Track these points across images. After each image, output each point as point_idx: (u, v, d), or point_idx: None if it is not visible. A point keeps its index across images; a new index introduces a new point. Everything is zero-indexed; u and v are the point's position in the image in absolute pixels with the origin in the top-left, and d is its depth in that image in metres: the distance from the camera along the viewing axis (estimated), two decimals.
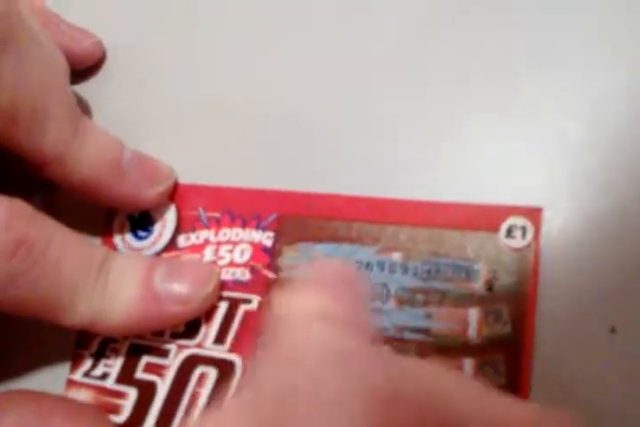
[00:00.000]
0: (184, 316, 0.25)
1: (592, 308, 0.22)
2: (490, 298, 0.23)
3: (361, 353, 0.16)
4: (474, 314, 0.23)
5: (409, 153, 0.25)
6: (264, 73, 0.28)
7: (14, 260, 0.22)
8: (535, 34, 0.25)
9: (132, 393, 0.26)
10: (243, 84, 0.29)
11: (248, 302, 0.25)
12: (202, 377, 0.25)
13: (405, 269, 0.24)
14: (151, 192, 0.26)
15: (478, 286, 0.23)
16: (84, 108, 0.30)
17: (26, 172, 0.28)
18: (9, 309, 0.23)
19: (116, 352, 0.27)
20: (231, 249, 0.26)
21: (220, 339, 0.25)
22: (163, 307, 0.24)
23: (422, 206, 0.24)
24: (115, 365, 0.27)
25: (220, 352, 0.25)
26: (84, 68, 0.31)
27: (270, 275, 0.25)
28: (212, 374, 0.25)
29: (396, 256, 0.24)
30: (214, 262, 0.26)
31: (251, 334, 0.25)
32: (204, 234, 0.27)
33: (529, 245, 0.23)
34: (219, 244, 0.26)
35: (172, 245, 0.27)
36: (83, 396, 0.26)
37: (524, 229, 0.23)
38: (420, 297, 0.23)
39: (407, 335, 0.23)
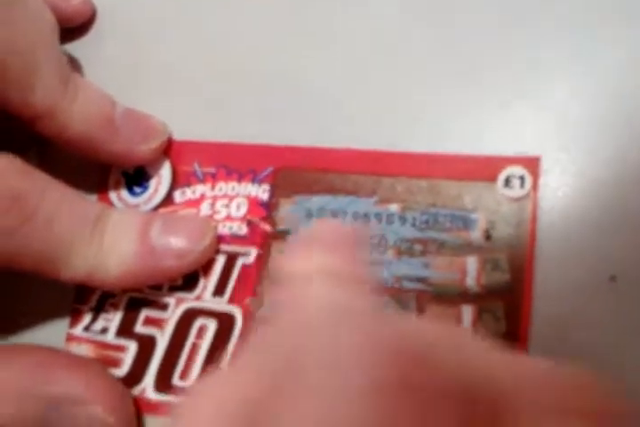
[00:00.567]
0: (181, 269, 0.25)
1: (591, 256, 0.22)
2: (488, 247, 0.23)
3: (366, 310, 0.16)
4: (472, 263, 0.23)
5: (406, 105, 0.25)
6: (258, 28, 0.28)
7: (8, 215, 0.22)
8: None
9: (132, 347, 0.26)
10: (236, 40, 0.28)
11: (245, 254, 0.25)
12: (201, 329, 0.25)
13: (403, 220, 0.24)
14: (145, 148, 0.26)
15: (476, 235, 0.23)
16: (75, 66, 0.30)
17: (19, 130, 0.28)
18: (5, 263, 0.23)
19: (114, 307, 0.27)
20: (227, 203, 0.26)
21: (218, 291, 0.25)
22: (160, 261, 0.24)
23: (419, 158, 0.24)
24: (114, 319, 0.27)
25: (219, 304, 0.25)
26: (74, 27, 0.30)
27: (267, 228, 0.25)
28: (211, 326, 0.25)
29: (394, 207, 0.24)
30: (211, 217, 0.26)
31: (249, 285, 0.25)
32: (200, 189, 0.27)
33: (527, 195, 0.23)
34: (215, 198, 0.26)
35: (168, 200, 0.27)
36: (83, 350, 0.27)
37: (522, 179, 0.23)
38: (418, 247, 0.23)
39: (406, 285, 0.23)
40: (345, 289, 0.16)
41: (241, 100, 0.27)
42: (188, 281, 0.26)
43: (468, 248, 0.23)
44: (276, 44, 0.28)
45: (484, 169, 0.23)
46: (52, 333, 0.27)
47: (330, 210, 0.25)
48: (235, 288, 0.25)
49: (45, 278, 0.24)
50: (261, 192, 0.26)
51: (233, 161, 0.27)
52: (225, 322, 0.25)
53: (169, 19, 0.30)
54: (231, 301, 0.25)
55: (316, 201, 0.25)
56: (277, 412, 0.13)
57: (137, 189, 0.28)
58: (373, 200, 0.24)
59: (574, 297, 0.22)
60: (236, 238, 0.26)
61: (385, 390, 0.13)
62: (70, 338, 0.27)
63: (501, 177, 0.23)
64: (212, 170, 0.27)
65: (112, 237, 0.24)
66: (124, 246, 0.24)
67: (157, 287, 0.26)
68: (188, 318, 0.25)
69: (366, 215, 0.24)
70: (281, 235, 0.25)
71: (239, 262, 0.25)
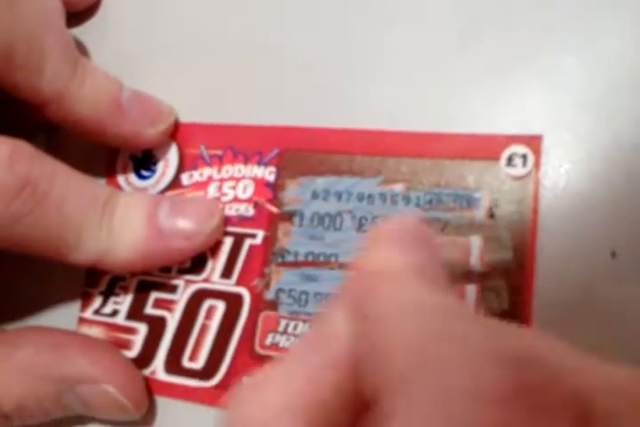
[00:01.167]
0: (189, 251, 0.25)
1: (593, 233, 0.22)
2: (491, 226, 0.23)
3: (462, 312, 0.15)
4: (476, 241, 0.23)
5: (408, 85, 0.25)
6: (264, 11, 0.28)
7: (18, 199, 0.22)
8: None
9: (143, 328, 0.26)
10: (242, 22, 0.28)
11: (253, 236, 0.26)
12: (210, 310, 0.25)
13: (407, 200, 0.24)
14: (152, 131, 0.26)
15: (480, 214, 0.23)
16: (81, 50, 0.30)
17: (26, 115, 0.28)
18: (16, 248, 0.23)
19: (124, 290, 0.27)
20: (234, 185, 0.26)
21: (226, 273, 0.26)
22: (168, 242, 0.24)
23: (422, 138, 0.24)
24: (124, 302, 0.27)
25: (227, 286, 0.25)
26: (80, 11, 0.31)
27: (273, 209, 0.26)
28: (220, 306, 0.25)
29: (398, 188, 0.24)
30: (218, 199, 0.26)
31: (256, 267, 0.25)
32: (206, 171, 0.27)
33: (529, 173, 0.23)
34: (222, 180, 0.27)
35: (175, 183, 0.27)
36: (94, 332, 0.27)
37: (524, 158, 0.23)
38: None
39: None
40: (432, 287, 0.15)
41: (247, 82, 0.27)
42: (197, 263, 0.26)
43: (471, 227, 0.23)
44: (284, 26, 0.28)
45: (487, 148, 0.23)
46: (63, 316, 0.28)
47: (335, 191, 0.25)
48: (242, 270, 0.26)
49: (56, 262, 0.24)
50: (267, 174, 0.26)
51: (239, 143, 0.27)
52: (233, 303, 0.25)
53: (174, 1, 0.30)
54: (239, 282, 0.25)
55: (321, 182, 0.25)
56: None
57: (145, 173, 0.28)
58: (378, 181, 0.24)
59: (576, 273, 0.22)
60: (242, 220, 0.26)
61: (498, 393, 0.12)
62: (82, 321, 0.27)
63: (504, 156, 0.23)
64: (218, 152, 0.27)
65: (121, 219, 0.24)
66: (133, 229, 0.24)
67: (166, 270, 0.26)
68: (197, 299, 0.26)
69: (371, 196, 0.24)
70: (287, 216, 0.25)
71: (246, 244, 0.26)
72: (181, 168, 0.27)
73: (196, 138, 0.28)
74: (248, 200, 0.26)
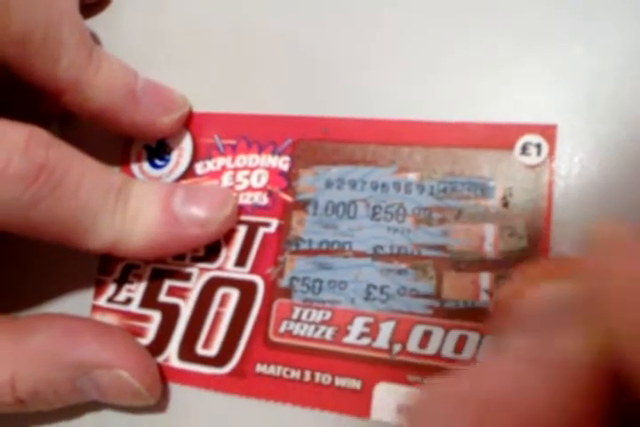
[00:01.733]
0: (203, 238, 0.25)
1: (607, 217, 0.22)
2: (505, 214, 0.23)
3: None
4: (490, 230, 0.23)
5: (423, 75, 0.25)
6: (279, 0, 0.28)
7: (35, 185, 0.22)
8: None
9: (156, 316, 0.26)
10: (257, 12, 0.29)
11: (267, 225, 0.26)
12: (224, 298, 0.26)
13: (421, 189, 0.24)
14: (166, 119, 0.27)
15: (494, 202, 0.23)
16: (95, 40, 0.30)
17: (40, 105, 0.28)
18: (31, 233, 0.23)
19: (138, 277, 0.27)
20: (248, 175, 0.27)
21: (240, 261, 0.26)
22: (182, 229, 0.25)
23: (437, 127, 0.25)
24: (138, 290, 0.27)
25: (241, 274, 0.26)
26: (94, 2, 0.31)
27: (288, 198, 0.26)
28: (234, 294, 0.25)
29: (412, 176, 0.24)
30: (232, 188, 0.27)
31: (270, 255, 0.25)
32: (220, 161, 0.27)
33: (544, 162, 0.23)
34: (236, 170, 0.27)
35: (189, 172, 0.28)
36: (108, 320, 0.27)
37: (538, 147, 0.23)
38: (436, 215, 0.24)
39: (424, 252, 0.24)
40: None
41: (261, 72, 0.28)
42: (211, 251, 0.26)
43: (485, 215, 0.23)
44: (297, 17, 0.28)
45: (501, 137, 0.24)
46: (76, 304, 0.28)
47: (349, 180, 0.25)
48: (256, 258, 0.26)
49: (70, 248, 0.24)
50: (281, 163, 0.26)
51: (253, 133, 0.27)
52: (247, 291, 0.25)
53: None
54: (253, 270, 0.26)
55: (336, 171, 0.25)
56: None
57: (159, 162, 0.28)
58: (392, 170, 0.25)
59: None
60: (257, 209, 0.26)
61: None
62: (95, 309, 0.28)
63: (518, 145, 0.23)
64: (232, 142, 0.27)
65: (136, 206, 0.24)
66: (147, 215, 0.24)
67: (180, 258, 0.27)
68: (212, 287, 0.26)
69: (384, 185, 0.25)
70: (301, 204, 0.26)
71: (260, 232, 0.26)
72: (195, 157, 0.28)
73: (209, 127, 0.28)
74: (262, 189, 0.26)
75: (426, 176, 0.24)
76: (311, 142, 0.26)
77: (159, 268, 0.27)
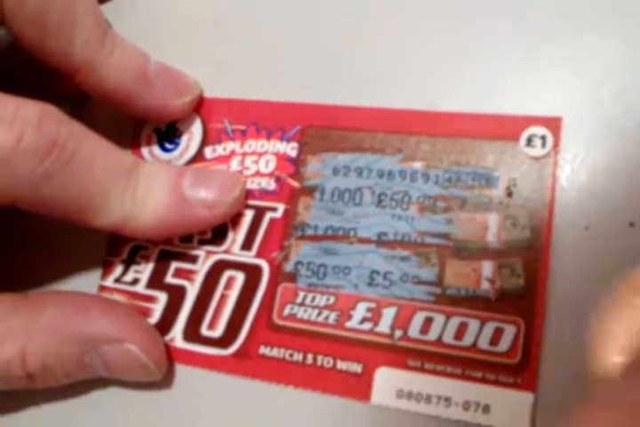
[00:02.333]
0: (211, 220, 0.25)
1: (610, 210, 0.22)
2: (509, 204, 0.23)
3: None
4: (493, 219, 0.23)
5: (430, 65, 0.26)
6: None
7: (47, 160, 0.22)
8: None
9: (163, 297, 0.27)
10: None
11: (274, 209, 0.26)
12: (230, 280, 0.26)
13: (427, 178, 0.25)
14: (178, 102, 0.27)
15: (498, 192, 0.24)
16: (109, 23, 0.30)
17: (52, 86, 0.29)
18: (42, 209, 0.24)
19: (145, 259, 0.28)
20: (256, 160, 0.27)
21: (246, 245, 0.26)
22: (191, 211, 0.25)
23: (443, 117, 0.25)
24: (145, 271, 0.28)
25: (247, 257, 0.26)
26: None
27: (295, 184, 0.26)
28: (239, 277, 0.26)
29: (418, 165, 0.25)
30: (240, 172, 0.27)
31: (276, 240, 0.26)
32: (229, 146, 0.28)
33: (548, 154, 0.23)
34: (244, 155, 0.27)
35: (199, 156, 0.28)
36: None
37: (543, 139, 0.24)
38: (440, 204, 0.24)
39: (428, 240, 0.24)
40: None
41: (272, 59, 0.28)
42: (217, 235, 0.27)
43: (489, 205, 0.24)
44: (309, 4, 0.28)
45: (507, 128, 0.24)
46: (84, 284, 0.29)
47: (355, 167, 0.25)
48: (262, 242, 0.26)
49: (80, 226, 0.25)
50: (290, 149, 0.27)
51: (263, 119, 0.27)
52: (252, 274, 0.26)
53: None
54: (259, 254, 0.26)
55: (343, 159, 0.26)
56: None
57: (168, 146, 0.29)
58: (398, 158, 0.25)
59: (593, 248, 0.22)
60: (264, 194, 0.26)
61: None
62: (102, 289, 0.28)
63: (523, 136, 0.24)
64: (241, 127, 0.27)
65: (146, 186, 0.25)
66: (157, 195, 0.25)
67: (187, 240, 0.27)
68: (218, 269, 0.26)
69: (391, 173, 0.25)
70: (308, 190, 0.26)
71: (267, 217, 0.26)
72: (205, 142, 0.28)
73: (220, 112, 0.28)
74: (270, 174, 0.27)
75: (431, 165, 0.25)
76: (319, 129, 0.26)
77: (166, 249, 0.27)
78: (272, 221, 0.26)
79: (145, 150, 0.29)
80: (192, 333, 0.26)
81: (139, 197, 0.25)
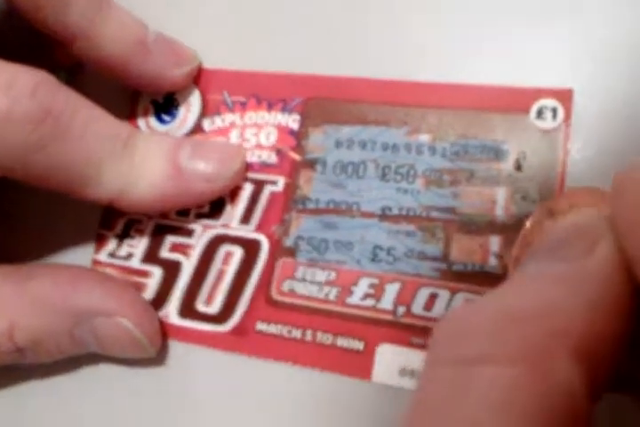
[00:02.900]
0: (209, 193, 0.25)
1: None
2: (518, 178, 0.23)
3: None
4: (501, 193, 0.23)
5: (438, 36, 0.25)
6: None
7: (41, 128, 0.22)
8: None
9: (157, 272, 0.26)
10: None
11: (274, 183, 0.25)
12: (227, 256, 0.25)
13: (433, 151, 0.24)
14: (176, 72, 0.26)
15: (507, 165, 0.23)
16: None
17: (50, 53, 0.28)
18: (35, 179, 0.23)
19: (140, 233, 0.27)
20: (257, 132, 0.26)
21: (245, 219, 0.25)
22: (189, 184, 0.24)
23: (451, 89, 0.24)
24: (139, 245, 0.27)
25: (246, 232, 0.25)
26: None
27: (296, 157, 0.25)
28: (237, 252, 0.25)
29: (424, 138, 0.24)
30: (240, 145, 0.26)
31: (276, 214, 0.25)
32: (229, 117, 0.27)
33: (559, 127, 0.23)
34: (244, 127, 0.26)
35: (197, 128, 0.27)
36: None
37: (554, 111, 0.23)
38: (447, 177, 0.23)
39: (433, 214, 0.23)
40: None
41: (273, 29, 0.27)
42: (215, 208, 0.26)
43: (497, 179, 0.23)
44: None
45: (517, 100, 0.23)
46: (77, 258, 0.28)
47: (359, 140, 0.25)
48: (262, 216, 0.25)
49: (73, 198, 0.24)
50: (291, 121, 0.26)
51: (263, 90, 0.26)
52: (251, 249, 0.25)
53: None
54: (258, 228, 0.25)
55: (346, 131, 0.25)
56: None
57: (166, 118, 0.28)
58: (404, 131, 0.24)
59: None
60: (264, 167, 0.26)
61: None
62: (95, 263, 0.27)
63: (534, 109, 0.23)
64: (241, 99, 0.27)
65: (142, 157, 0.24)
66: (154, 167, 0.24)
67: (184, 214, 0.26)
68: (215, 244, 0.26)
69: (395, 146, 0.24)
70: (310, 163, 0.25)
71: (267, 190, 0.25)
72: (203, 113, 0.27)
73: (219, 84, 0.27)
74: (270, 147, 0.26)
75: (438, 138, 0.24)
76: (322, 101, 0.26)
77: (162, 223, 0.27)
78: (272, 194, 0.25)
79: (142, 122, 0.28)
80: (187, 309, 0.25)
81: (134, 168, 0.24)
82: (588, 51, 0.23)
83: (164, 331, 0.25)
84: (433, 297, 0.23)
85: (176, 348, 0.26)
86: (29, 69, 0.22)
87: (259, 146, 0.26)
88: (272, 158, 0.26)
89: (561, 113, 0.23)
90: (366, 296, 0.23)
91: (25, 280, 0.23)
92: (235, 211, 0.26)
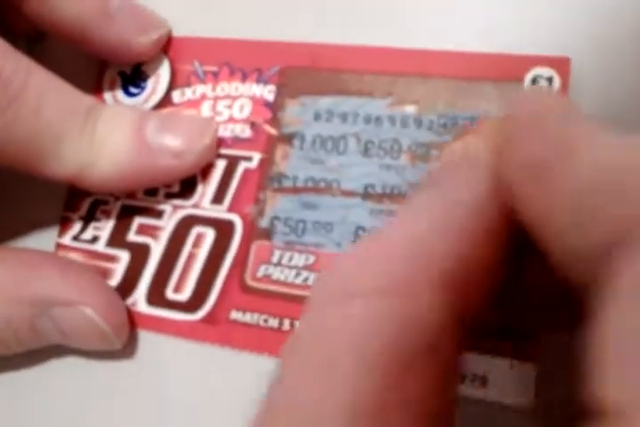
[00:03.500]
0: (178, 170, 0.23)
1: None
2: None
3: None
4: None
5: (426, 0, 0.23)
6: None
7: None
8: None
9: (124, 256, 0.24)
10: None
11: (248, 159, 0.24)
12: (199, 238, 0.23)
13: (419, 123, 0.22)
14: (143, 40, 0.24)
15: None
16: None
17: (8, 24, 0.26)
18: None
19: (106, 214, 0.25)
20: (230, 104, 0.24)
21: (217, 199, 0.24)
22: (155, 159, 0.22)
23: (439, 56, 0.22)
24: (105, 227, 0.25)
25: (218, 212, 0.23)
26: None
27: (272, 130, 0.23)
28: (209, 234, 0.23)
29: (410, 109, 0.22)
30: (211, 118, 0.24)
31: (250, 192, 0.23)
32: (200, 89, 0.25)
33: None
34: (216, 99, 0.24)
35: (166, 100, 0.25)
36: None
37: (550, 81, 0.21)
38: (434, 152, 0.22)
39: None
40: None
41: None
42: (186, 187, 0.24)
43: None
44: None
45: (510, 69, 0.21)
46: (39, 242, 0.26)
47: (339, 112, 0.23)
48: (235, 195, 0.23)
49: (32, 175, 0.22)
50: (266, 93, 0.24)
51: (237, 59, 0.25)
52: (224, 231, 0.23)
53: None
54: (231, 208, 0.23)
55: (325, 102, 0.23)
56: None
57: (133, 90, 0.26)
58: (387, 102, 0.22)
59: None
60: (238, 141, 0.24)
61: None
62: (59, 247, 0.25)
63: (528, 77, 0.21)
64: (213, 69, 0.25)
65: (105, 131, 0.22)
66: (117, 142, 0.22)
67: (152, 194, 0.24)
68: (185, 226, 0.24)
69: (378, 118, 0.22)
70: (286, 138, 0.23)
71: (241, 167, 0.24)
72: (173, 85, 0.25)
73: (189, 53, 0.25)
74: (244, 120, 0.24)
75: (425, 109, 0.22)
76: (299, 70, 0.24)
77: (129, 204, 0.25)
78: (246, 171, 0.23)
79: (108, 95, 0.26)
80: (156, 296, 0.24)
81: (96, 142, 0.22)
82: (587, 16, 0.22)
83: (132, 320, 0.24)
84: None
85: (145, 338, 0.24)
86: None
87: (231, 119, 0.24)
88: (246, 132, 0.24)
89: (557, 83, 0.21)
90: None
91: None
92: (206, 190, 0.24)
